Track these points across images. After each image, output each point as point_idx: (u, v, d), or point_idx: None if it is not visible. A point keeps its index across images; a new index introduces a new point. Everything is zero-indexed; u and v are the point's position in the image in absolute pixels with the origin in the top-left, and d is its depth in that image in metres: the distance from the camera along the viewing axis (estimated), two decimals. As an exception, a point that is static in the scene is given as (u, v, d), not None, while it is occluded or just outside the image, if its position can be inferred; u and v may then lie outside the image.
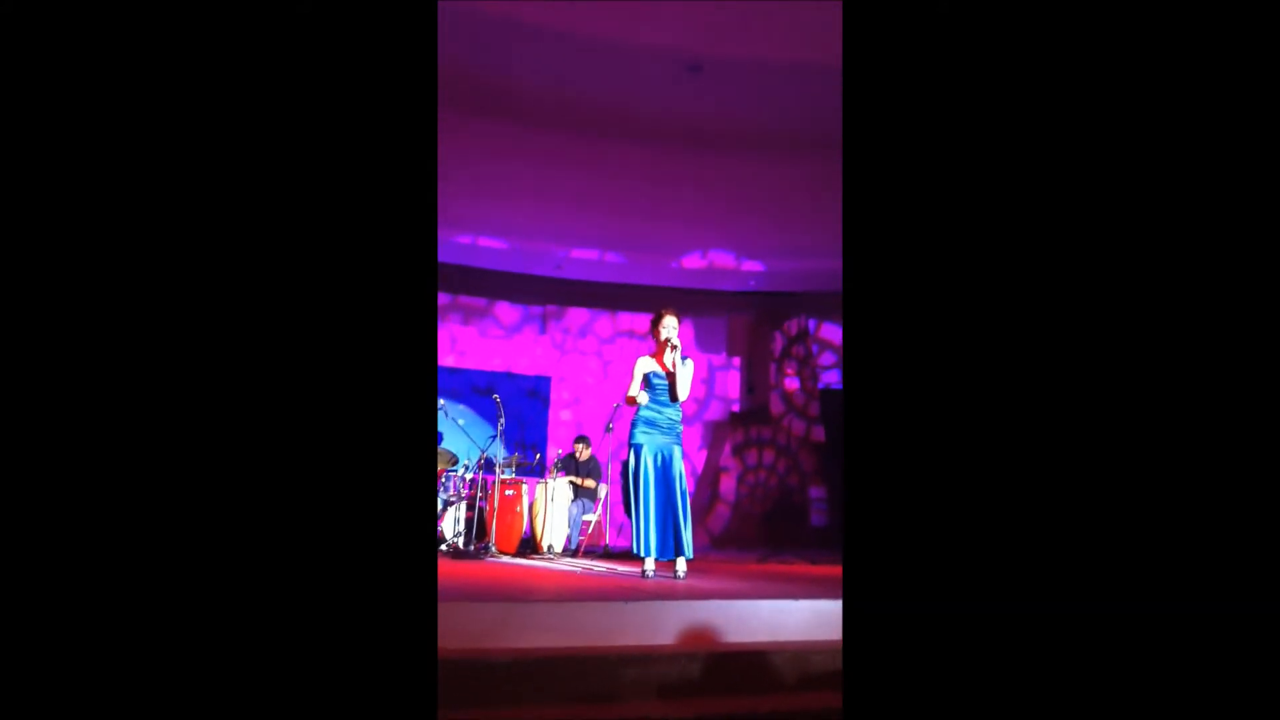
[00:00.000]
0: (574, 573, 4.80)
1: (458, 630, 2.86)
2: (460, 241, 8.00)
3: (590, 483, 7.03)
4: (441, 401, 7.52)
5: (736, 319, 9.73)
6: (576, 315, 9.44)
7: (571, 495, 6.81)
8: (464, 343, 8.79)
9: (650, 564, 4.30)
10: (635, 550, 4.32)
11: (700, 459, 9.53)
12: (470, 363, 8.68)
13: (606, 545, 6.81)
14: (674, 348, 4.40)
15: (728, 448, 9.59)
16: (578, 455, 7.14)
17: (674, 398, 4.41)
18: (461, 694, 2.65)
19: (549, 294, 9.15)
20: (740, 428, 9.63)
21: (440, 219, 7.54)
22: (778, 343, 9.70)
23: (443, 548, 6.11)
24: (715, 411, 9.70)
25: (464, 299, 8.92)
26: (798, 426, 9.45)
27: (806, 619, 3.28)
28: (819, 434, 9.22)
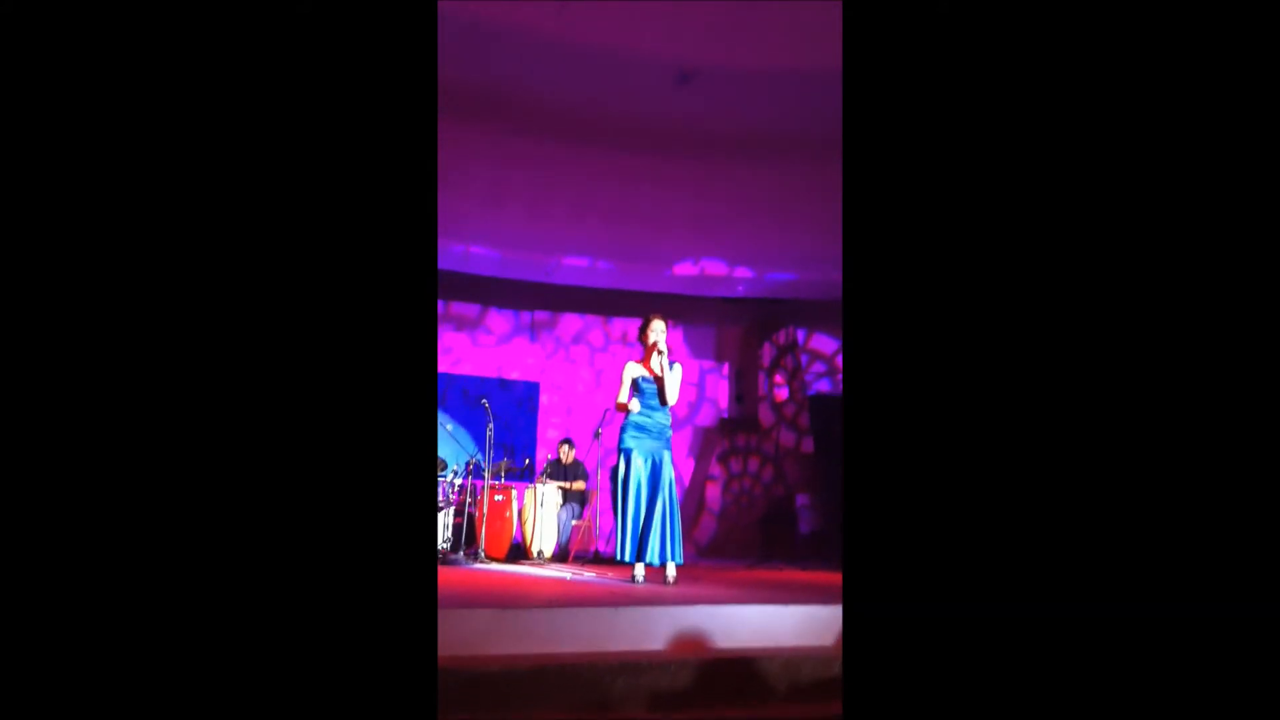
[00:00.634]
0: (564, 579, 4.79)
1: (448, 637, 2.85)
2: (451, 248, 7.98)
3: (579, 485, 7.02)
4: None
5: (726, 326, 9.74)
6: (567, 321, 9.43)
7: (561, 500, 6.80)
8: (453, 349, 8.76)
9: (640, 570, 4.29)
10: (619, 555, 4.31)
11: (690, 465, 9.52)
12: (459, 368, 8.65)
13: (597, 550, 6.80)
14: (660, 352, 4.40)
15: (717, 454, 9.59)
16: (562, 458, 7.13)
17: (663, 402, 4.42)
18: (452, 701, 2.64)
19: (539, 300, 9.13)
20: (730, 435, 9.63)
21: (441, 226, 7.51)
22: (767, 353, 9.71)
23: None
24: (705, 418, 9.70)
25: (455, 305, 8.90)
26: (788, 437, 9.46)
27: (797, 625, 3.28)
28: (808, 445, 9.23)
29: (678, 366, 4.51)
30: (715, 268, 8.61)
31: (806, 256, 8.15)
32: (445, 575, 4.79)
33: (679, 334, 9.61)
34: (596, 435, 6.53)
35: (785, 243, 7.94)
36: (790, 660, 2.96)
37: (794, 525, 9.05)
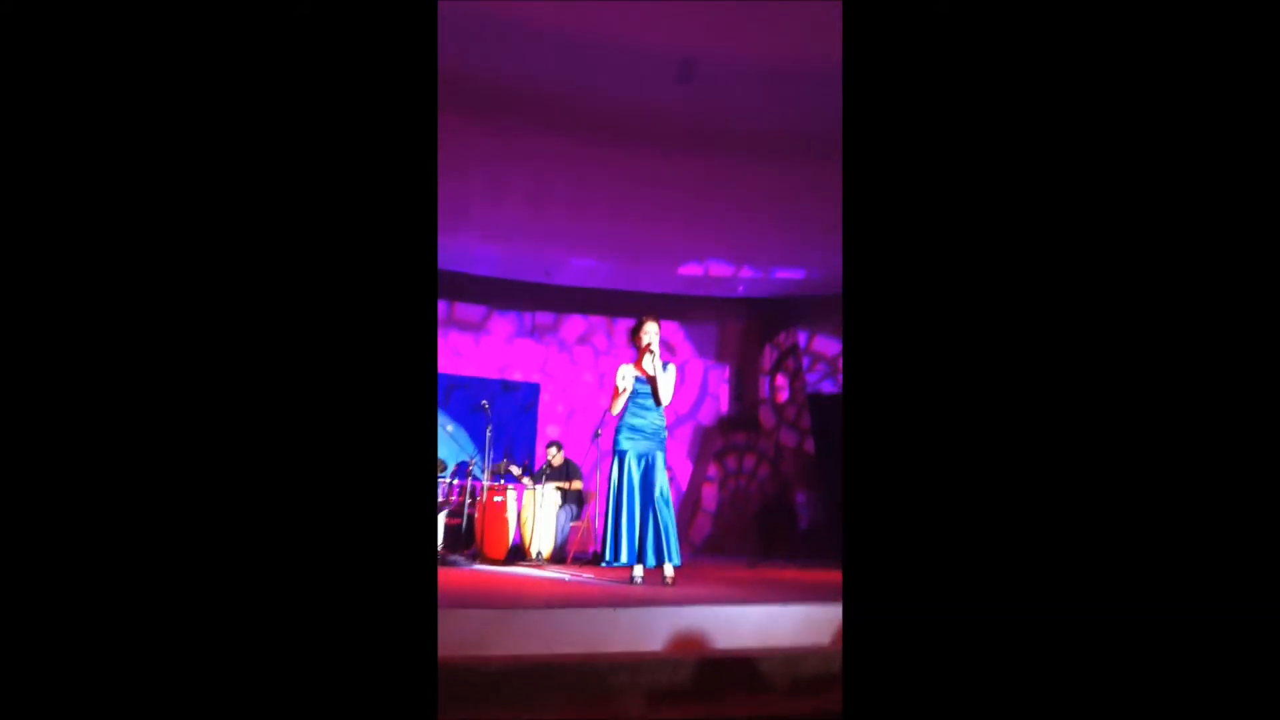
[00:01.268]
0: (563, 579, 4.79)
1: (448, 637, 2.85)
2: (454, 248, 7.97)
3: (577, 484, 7.02)
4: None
5: (727, 325, 9.74)
6: (566, 321, 9.43)
7: (559, 501, 6.80)
8: (454, 348, 8.76)
9: (639, 570, 4.29)
10: (607, 557, 4.29)
11: (688, 464, 9.52)
12: (458, 368, 8.65)
13: (595, 551, 6.79)
14: (652, 353, 4.41)
15: (715, 451, 9.60)
16: (551, 460, 7.12)
17: (658, 402, 4.42)
18: (452, 701, 2.64)
19: (542, 301, 9.13)
20: (729, 433, 9.64)
21: (442, 224, 7.47)
22: (769, 356, 9.72)
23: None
24: (706, 415, 9.70)
25: (459, 307, 8.89)
26: (789, 438, 9.46)
27: (797, 624, 3.29)
28: (810, 445, 9.23)
29: (671, 367, 4.52)
30: (719, 268, 8.61)
31: (810, 255, 8.15)
32: (444, 576, 4.79)
33: (680, 333, 9.62)
34: (595, 436, 6.53)
35: (789, 241, 7.94)
36: (790, 658, 2.97)
37: (793, 521, 9.06)
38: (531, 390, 8.97)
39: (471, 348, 8.83)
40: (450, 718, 2.56)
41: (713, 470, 9.53)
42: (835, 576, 4.16)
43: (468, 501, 6.33)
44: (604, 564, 4.43)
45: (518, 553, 6.55)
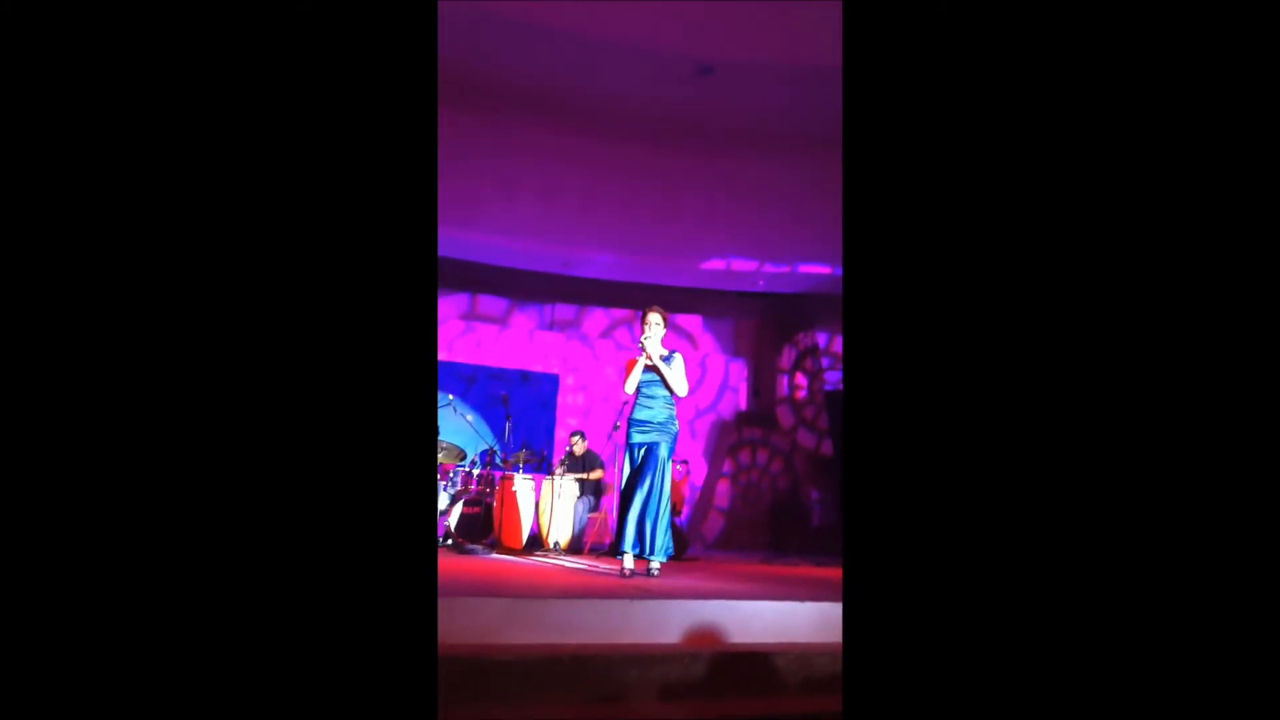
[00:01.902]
0: (579, 570, 4.81)
1: (463, 626, 2.88)
2: (475, 241, 8.01)
3: (597, 474, 7.04)
4: (450, 397, 7.55)
5: (746, 321, 9.72)
6: (591, 316, 9.45)
7: (578, 492, 6.82)
8: (476, 340, 8.80)
9: (629, 562, 4.27)
10: (623, 547, 4.30)
11: (708, 458, 9.52)
12: (480, 359, 8.69)
13: (612, 542, 6.82)
14: (646, 338, 4.38)
15: (729, 446, 9.59)
16: (573, 449, 7.14)
17: (672, 394, 4.42)
18: (465, 691, 2.66)
19: (563, 294, 9.16)
20: (744, 428, 9.63)
21: (456, 219, 7.54)
22: (787, 355, 9.68)
23: (449, 543, 6.13)
24: (725, 411, 9.70)
25: (482, 300, 8.93)
26: (808, 439, 9.43)
27: (811, 621, 3.29)
28: (827, 447, 9.20)
29: (678, 357, 4.49)
30: (741, 263, 8.59)
31: (831, 252, 8.11)
32: (461, 565, 4.82)
33: (702, 327, 9.61)
34: (615, 428, 6.54)
35: (810, 238, 7.92)
36: (803, 655, 2.97)
37: (806, 519, 9.04)
38: (551, 382, 9.00)
39: (493, 340, 8.87)
40: (461, 708, 2.58)
41: (727, 465, 9.52)
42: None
43: (486, 490, 6.36)
44: (619, 555, 4.45)
45: (535, 542, 6.58)
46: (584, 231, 7.98)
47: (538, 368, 9.00)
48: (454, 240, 7.76)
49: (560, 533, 6.57)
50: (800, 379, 9.59)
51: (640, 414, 4.42)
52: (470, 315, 8.87)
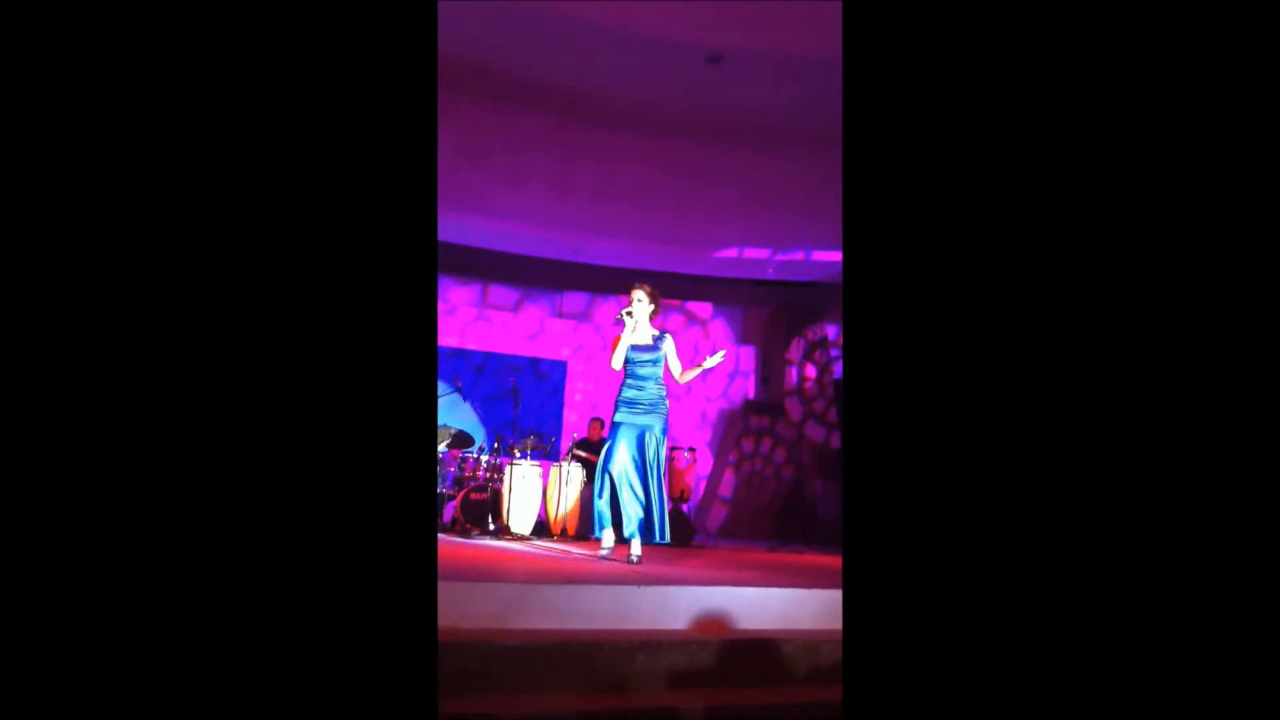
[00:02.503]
0: (586, 556, 4.83)
1: (470, 612, 2.89)
2: (484, 228, 8.02)
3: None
4: (458, 384, 7.57)
5: (756, 309, 9.71)
6: (593, 301, 9.45)
7: (585, 479, 6.84)
8: (481, 326, 8.81)
9: (608, 541, 4.26)
10: (598, 528, 4.27)
11: (715, 446, 9.53)
12: (491, 345, 8.71)
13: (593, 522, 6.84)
14: (625, 315, 4.34)
15: (736, 434, 9.59)
16: (591, 436, 7.16)
17: (673, 377, 4.40)
18: (472, 676, 2.68)
19: (568, 279, 9.15)
20: (754, 416, 9.63)
21: (468, 206, 7.53)
22: (797, 348, 9.66)
23: (455, 529, 6.16)
24: (734, 399, 9.70)
25: (494, 290, 8.93)
26: (816, 431, 9.42)
27: (817, 608, 3.29)
28: (837, 441, 9.19)
29: (668, 336, 4.45)
30: (753, 251, 8.57)
31: (840, 240, 8.07)
32: (469, 550, 4.85)
33: (712, 314, 9.59)
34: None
35: (824, 226, 7.90)
36: (810, 643, 2.98)
37: (810, 510, 9.05)
38: (560, 369, 9.00)
39: (504, 326, 8.87)
40: (468, 693, 2.60)
41: (733, 454, 9.53)
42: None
43: (494, 477, 6.38)
44: (594, 538, 4.37)
45: (542, 529, 6.61)
46: (595, 219, 7.98)
47: (548, 355, 9.01)
48: (466, 227, 7.77)
49: (567, 519, 6.59)
50: (810, 370, 9.57)
51: (630, 394, 4.34)
52: (483, 302, 8.87)
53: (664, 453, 4.38)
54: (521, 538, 6.18)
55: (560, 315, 9.25)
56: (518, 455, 6.55)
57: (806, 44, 5.33)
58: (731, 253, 8.62)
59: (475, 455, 6.64)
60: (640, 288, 4.46)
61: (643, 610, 3.12)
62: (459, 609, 2.89)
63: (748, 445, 9.56)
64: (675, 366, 4.44)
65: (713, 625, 3.16)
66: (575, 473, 6.75)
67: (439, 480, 6.55)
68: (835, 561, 5.53)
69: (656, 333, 4.46)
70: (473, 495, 6.34)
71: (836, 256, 8.50)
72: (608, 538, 4.26)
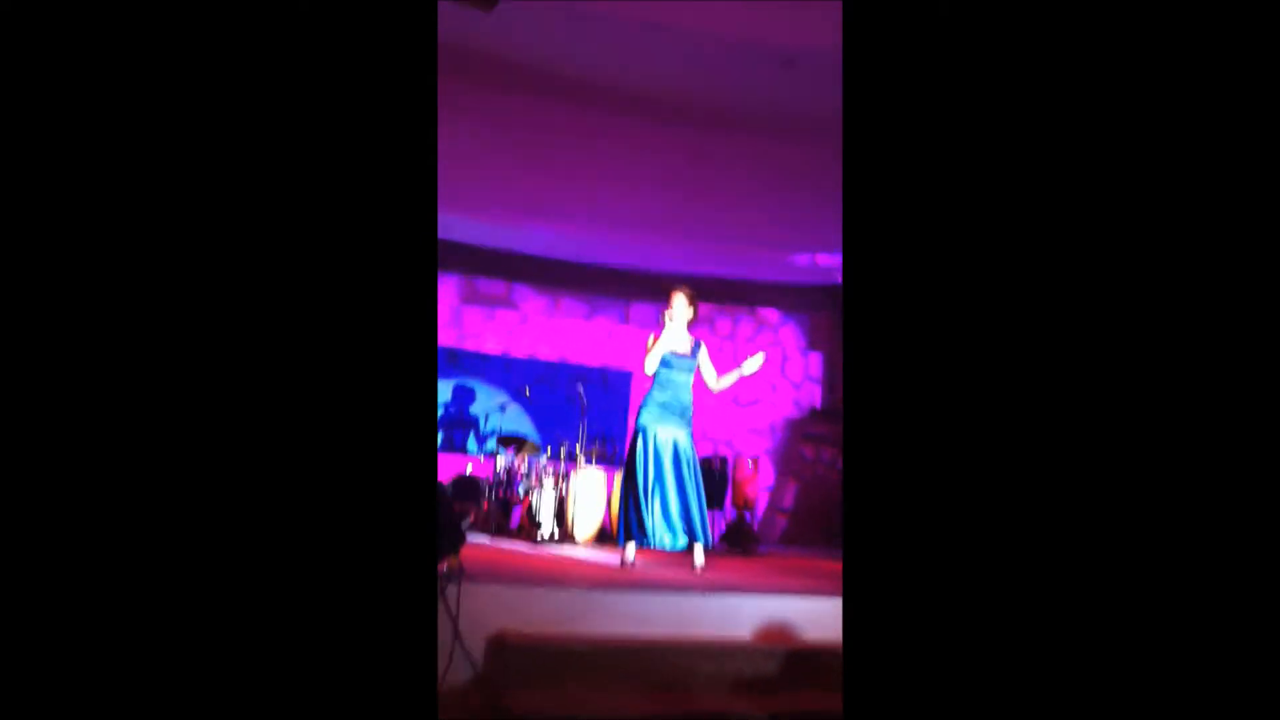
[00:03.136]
0: (648, 564, 4.84)
1: (536, 616, 2.95)
2: (543, 232, 8.12)
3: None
4: (528, 392, 7.69)
5: (823, 316, 9.62)
6: (661, 311, 9.46)
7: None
8: (547, 333, 8.92)
9: (631, 551, 4.22)
10: (622, 536, 4.23)
11: (777, 454, 9.46)
12: (559, 354, 8.81)
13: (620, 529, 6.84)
14: (671, 322, 4.33)
15: (800, 438, 9.50)
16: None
17: (708, 385, 4.38)
18: (538, 676, 2.72)
19: (629, 286, 9.20)
20: (817, 423, 9.53)
21: (522, 209, 7.58)
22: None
23: (520, 534, 6.24)
24: (798, 405, 9.62)
25: (564, 300, 9.04)
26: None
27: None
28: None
29: (703, 346, 4.43)
30: (826, 259, 8.49)
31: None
32: (535, 555, 4.91)
33: (780, 320, 9.55)
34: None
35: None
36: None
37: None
38: (624, 378, 9.06)
39: (571, 334, 8.97)
40: (533, 695, 2.64)
41: (794, 461, 9.44)
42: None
43: (560, 483, 6.45)
44: (621, 544, 4.33)
45: (607, 536, 6.65)
46: (665, 225, 8.00)
47: (614, 364, 9.07)
48: (534, 235, 7.89)
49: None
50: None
51: (662, 397, 4.30)
52: (553, 310, 8.98)
53: (696, 457, 4.35)
54: (594, 543, 6.24)
55: (627, 322, 9.30)
56: (582, 462, 6.61)
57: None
58: (804, 258, 8.55)
59: (542, 462, 6.73)
60: (681, 291, 4.45)
61: (707, 617, 3.13)
62: (524, 612, 2.95)
63: (809, 453, 9.47)
64: (710, 375, 4.41)
65: (777, 633, 3.15)
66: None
67: (506, 485, 6.66)
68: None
69: (693, 340, 4.45)
70: (524, 500, 6.43)
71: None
72: (630, 549, 4.25)
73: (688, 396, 4.37)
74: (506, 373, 8.37)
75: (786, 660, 2.91)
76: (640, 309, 9.28)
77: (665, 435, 4.26)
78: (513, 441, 6.90)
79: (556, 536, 6.18)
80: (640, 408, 4.37)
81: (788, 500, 9.31)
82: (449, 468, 7.56)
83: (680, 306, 4.38)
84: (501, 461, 6.82)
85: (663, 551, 4.39)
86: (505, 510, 6.60)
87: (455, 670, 2.72)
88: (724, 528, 6.84)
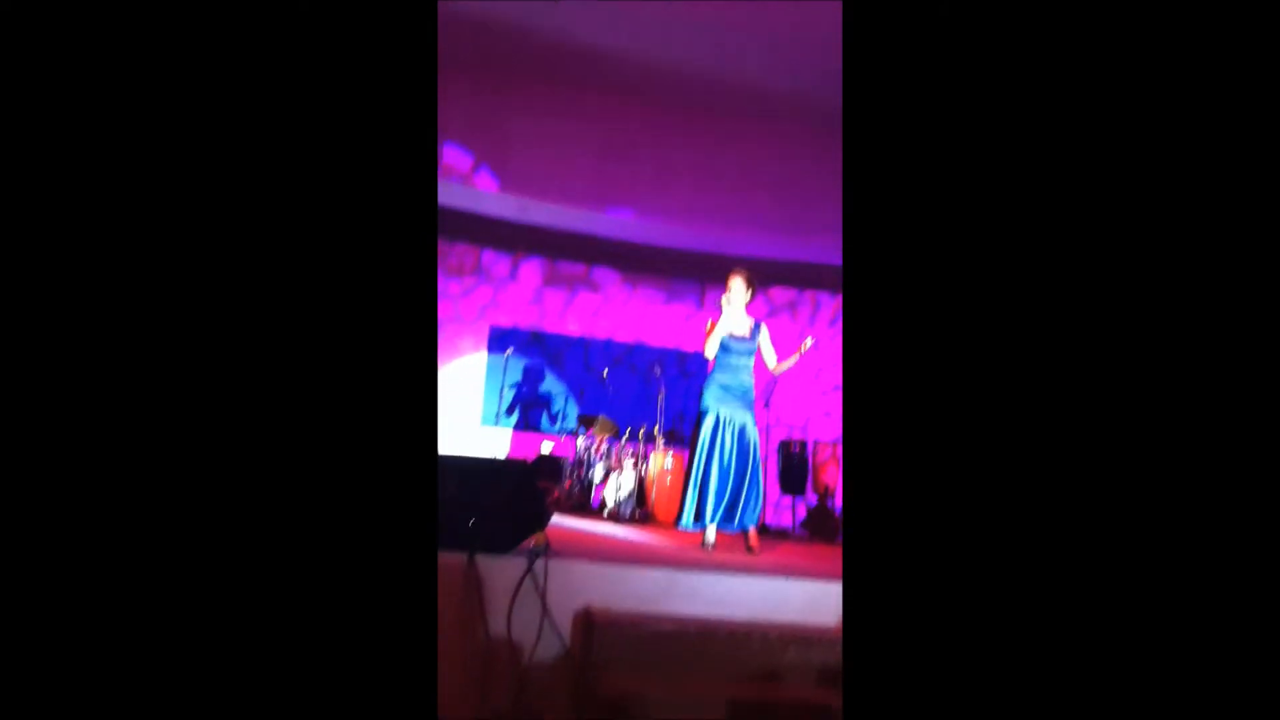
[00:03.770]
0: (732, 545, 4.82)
1: (619, 595, 2.95)
2: (622, 217, 8.13)
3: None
4: (605, 373, 7.72)
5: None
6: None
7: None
8: (625, 316, 8.93)
9: (711, 534, 4.22)
10: (691, 520, 4.23)
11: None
12: (636, 336, 8.82)
13: (764, 523, 6.80)
14: (730, 305, 4.32)
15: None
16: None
17: (767, 366, 4.39)
18: (624, 657, 2.73)
19: (706, 270, 9.15)
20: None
21: (604, 198, 7.65)
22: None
23: (605, 514, 6.28)
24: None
25: (642, 286, 9.05)
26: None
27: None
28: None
29: (764, 327, 4.42)
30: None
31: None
32: (617, 536, 4.93)
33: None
34: (765, 405, 6.51)
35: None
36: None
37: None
38: (701, 362, 9.02)
39: (649, 317, 8.96)
40: (615, 677, 2.65)
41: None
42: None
43: (640, 465, 6.46)
44: (680, 527, 4.36)
45: (683, 517, 6.64)
46: (741, 211, 7.94)
47: (691, 347, 9.04)
48: (613, 221, 7.91)
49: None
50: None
51: (724, 379, 4.32)
52: (633, 295, 8.99)
53: (759, 440, 4.37)
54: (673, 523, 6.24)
55: (703, 307, 9.25)
56: (660, 444, 6.61)
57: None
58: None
59: (621, 443, 6.76)
60: (738, 274, 4.42)
61: (792, 604, 3.09)
62: (608, 591, 2.96)
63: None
64: (770, 357, 4.43)
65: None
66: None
67: (586, 465, 6.70)
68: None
69: (752, 322, 4.42)
70: (601, 482, 6.46)
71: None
72: (711, 531, 4.25)
73: (749, 379, 4.38)
74: (585, 354, 8.42)
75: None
76: (716, 294, 9.22)
77: (728, 417, 4.29)
78: (592, 422, 6.94)
79: (637, 516, 6.20)
80: (702, 391, 4.40)
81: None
82: (527, 447, 7.65)
83: (738, 289, 4.37)
84: (581, 442, 6.87)
85: (736, 534, 4.41)
86: (586, 490, 6.65)
87: (544, 646, 2.75)
88: (804, 514, 6.77)
